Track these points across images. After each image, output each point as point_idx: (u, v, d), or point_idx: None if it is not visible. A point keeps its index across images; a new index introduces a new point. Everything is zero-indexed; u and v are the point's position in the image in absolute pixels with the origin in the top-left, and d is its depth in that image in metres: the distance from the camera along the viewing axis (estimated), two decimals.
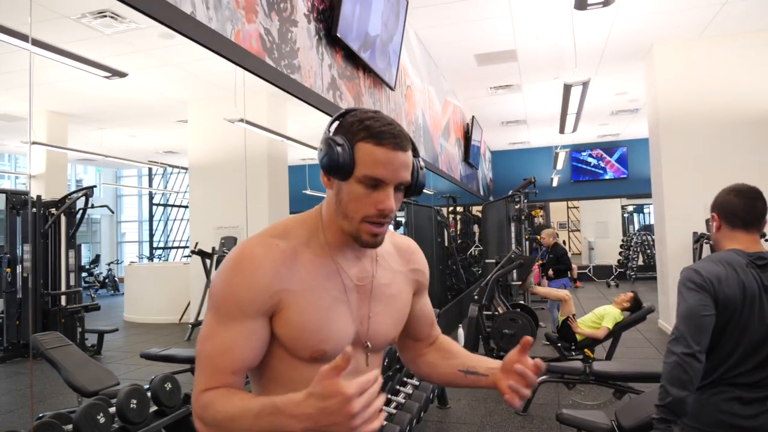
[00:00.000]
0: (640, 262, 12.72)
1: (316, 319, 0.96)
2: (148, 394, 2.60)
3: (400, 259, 1.14)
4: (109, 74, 3.84)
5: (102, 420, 2.27)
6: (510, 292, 6.75)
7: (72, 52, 2.71)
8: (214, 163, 6.44)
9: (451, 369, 1.16)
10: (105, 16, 4.24)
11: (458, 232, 9.79)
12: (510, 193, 7.64)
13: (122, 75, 3.60)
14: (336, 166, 0.92)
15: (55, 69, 5.12)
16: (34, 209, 5.94)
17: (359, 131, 0.93)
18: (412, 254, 1.17)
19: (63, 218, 6.11)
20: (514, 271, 5.72)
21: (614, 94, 8.22)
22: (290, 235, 1.00)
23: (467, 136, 8.35)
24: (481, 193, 10.80)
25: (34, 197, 6.11)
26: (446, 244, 8.00)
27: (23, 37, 2.02)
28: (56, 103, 6.94)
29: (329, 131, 0.97)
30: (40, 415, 2.41)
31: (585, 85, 5.52)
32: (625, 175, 12.17)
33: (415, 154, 1.01)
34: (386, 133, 0.92)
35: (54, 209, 6.09)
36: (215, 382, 0.92)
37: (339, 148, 0.92)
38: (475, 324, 4.76)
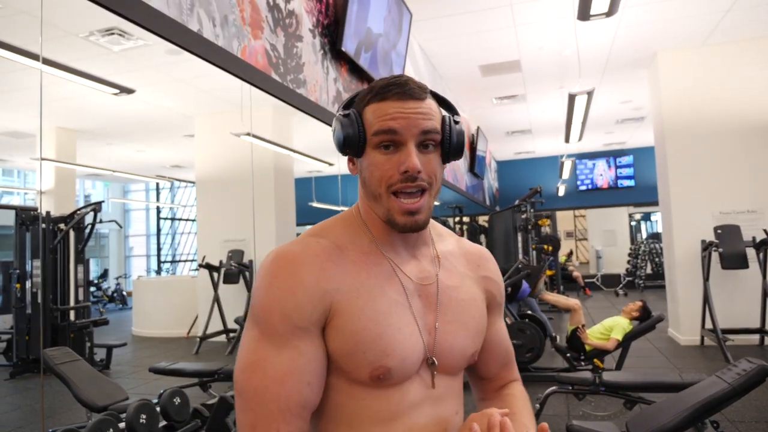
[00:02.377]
0: (649, 271, 12.64)
1: (374, 325, 0.78)
2: (157, 408, 2.60)
3: (467, 262, 0.95)
4: (117, 90, 3.90)
5: None
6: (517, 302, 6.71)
7: (81, 70, 2.75)
8: (221, 176, 6.48)
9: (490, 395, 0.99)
10: (113, 34, 4.30)
11: None
12: (516, 202, 7.64)
13: (130, 91, 3.66)
14: (347, 137, 0.81)
15: (64, 86, 5.18)
16: (44, 225, 5.98)
17: (365, 96, 0.83)
18: (484, 260, 0.98)
19: (72, 233, 6.16)
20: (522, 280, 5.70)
21: (619, 102, 8.23)
22: (330, 233, 0.85)
23: (472, 147, 8.37)
24: (487, 203, 10.79)
25: (44, 213, 6.16)
26: None
27: (34, 57, 2.06)
28: (65, 120, 7.02)
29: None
30: (50, 430, 2.42)
31: (589, 94, 5.53)
32: (631, 184, 12.14)
33: (449, 109, 0.87)
34: (390, 84, 0.81)
35: (63, 224, 6.14)
36: (281, 426, 0.73)
37: (346, 119, 0.82)
38: None
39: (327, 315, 0.77)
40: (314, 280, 0.77)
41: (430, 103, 0.82)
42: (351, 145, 0.81)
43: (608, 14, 3.66)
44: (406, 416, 0.80)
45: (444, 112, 0.85)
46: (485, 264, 0.97)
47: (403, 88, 0.80)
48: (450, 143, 0.83)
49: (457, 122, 0.85)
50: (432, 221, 0.89)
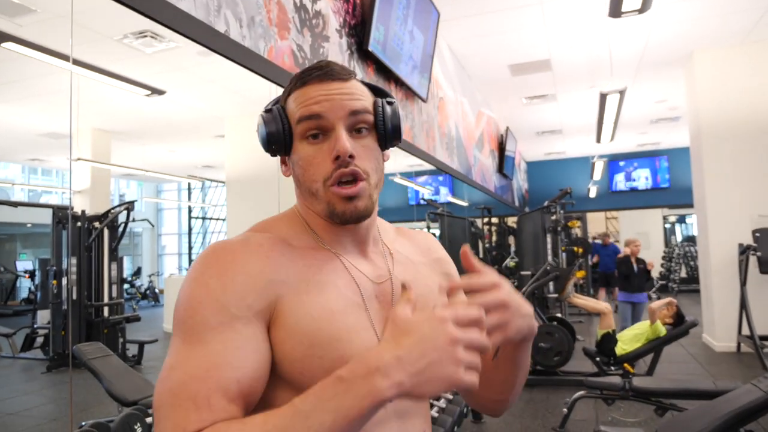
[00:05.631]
0: (683, 274, 12.34)
1: (329, 325, 0.67)
2: None
3: (417, 249, 0.88)
4: (149, 92, 3.99)
5: (139, 429, 2.32)
6: (546, 304, 6.63)
7: (112, 71, 2.82)
8: (251, 176, 6.57)
9: (488, 365, 0.79)
10: (146, 36, 4.39)
11: (493, 244, 9.69)
12: (546, 204, 7.54)
13: (161, 92, 3.74)
14: (271, 134, 0.74)
15: (99, 88, 5.34)
16: (79, 223, 6.15)
17: (286, 89, 0.77)
18: (431, 243, 0.91)
19: (106, 232, 6.31)
20: (550, 283, 5.63)
21: (653, 102, 8.05)
22: (273, 228, 0.76)
23: (501, 147, 8.29)
24: (516, 204, 10.69)
25: (79, 212, 6.33)
26: (481, 255, 7.93)
27: (65, 58, 2.11)
28: (100, 121, 7.22)
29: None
30: (82, 423, 2.48)
31: (621, 93, 5.43)
32: (666, 185, 11.87)
33: (378, 93, 0.79)
34: (311, 69, 0.74)
35: (98, 223, 6.29)
36: (200, 421, 0.58)
37: (268, 115, 0.75)
38: None
39: (272, 310, 0.66)
40: (258, 268, 0.67)
41: (356, 84, 0.75)
42: (276, 141, 0.74)
43: (641, 11, 3.59)
44: None
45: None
46: (434, 246, 0.91)
47: (323, 70, 0.73)
48: (384, 125, 0.75)
49: (390, 103, 0.77)
50: (377, 218, 0.83)
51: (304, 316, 0.66)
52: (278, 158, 0.79)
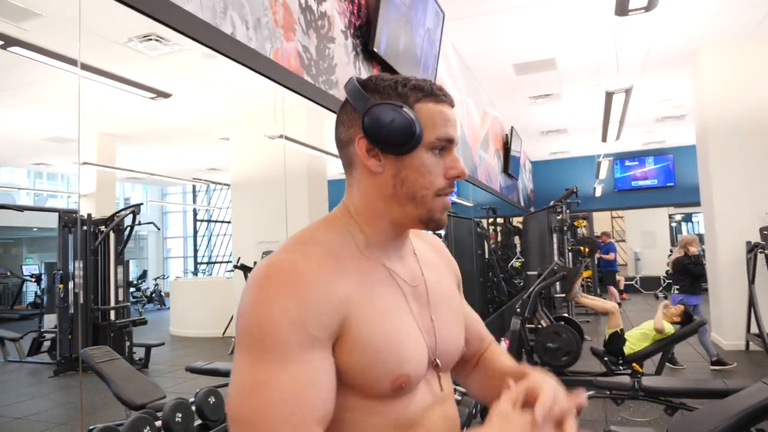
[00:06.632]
0: None
1: (388, 333, 0.74)
2: (193, 408, 2.64)
3: (434, 252, 0.95)
4: (154, 95, 3.98)
5: None
6: (553, 304, 6.61)
7: (118, 74, 2.82)
8: (256, 179, 6.56)
9: (498, 391, 0.90)
10: (151, 40, 4.40)
11: (499, 244, 9.67)
12: (551, 203, 7.51)
13: (166, 96, 3.73)
14: (409, 132, 0.75)
15: (105, 92, 5.34)
16: (85, 227, 6.16)
17: (410, 92, 0.79)
18: (442, 246, 1.00)
19: (112, 235, 6.32)
20: (557, 283, 5.60)
21: (659, 100, 8.02)
22: (320, 240, 0.78)
23: (506, 147, 8.27)
24: (522, 204, 10.66)
25: (85, 215, 6.34)
26: (487, 256, 7.91)
27: (72, 62, 2.11)
28: (105, 125, 7.22)
29: (364, 100, 0.78)
30: (91, 427, 2.48)
31: (627, 92, 5.40)
32: (671, 183, 11.82)
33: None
34: (438, 89, 0.80)
35: (103, 226, 6.30)
36: None
37: (408, 111, 0.76)
38: (518, 338, 4.67)
39: (341, 327, 0.71)
40: (328, 288, 0.70)
41: None
42: (407, 143, 0.76)
43: (647, 9, 3.57)
44: (423, 420, 0.78)
45: None
46: (444, 249, 0.99)
47: (448, 97, 0.81)
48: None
49: None
50: None
51: (368, 328, 0.72)
52: (354, 148, 0.81)
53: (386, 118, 0.75)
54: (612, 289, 10.36)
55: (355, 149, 0.80)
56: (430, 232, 0.98)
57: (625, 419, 3.90)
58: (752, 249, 5.42)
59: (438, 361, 0.82)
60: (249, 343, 0.67)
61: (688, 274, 5.57)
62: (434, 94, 0.79)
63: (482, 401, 1.01)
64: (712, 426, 2.23)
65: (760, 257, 5.39)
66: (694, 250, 5.63)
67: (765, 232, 5.38)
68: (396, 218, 0.80)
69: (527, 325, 4.85)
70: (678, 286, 5.75)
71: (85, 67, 2.20)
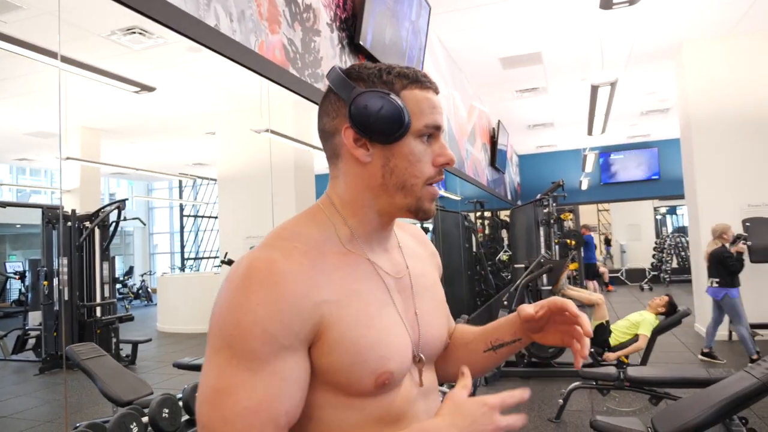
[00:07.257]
0: (675, 265, 12.43)
1: (369, 330, 0.73)
2: (180, 403, 2.63)
3: (417, 243, 0.94)
4: (138, 89, 3.94)
5: (135, 429, 2.31)
6: (540, 296, 6.65)
7: (100, 68, 2.78)
8: (242, 173, 6.53)
9: (477, 354, 0.93)
10: (134, 33, 4.35)
11: (486, 237, 9.70)
12: (538, 197, 7.55)
13: (150, 89, 3.69)
14: (399, 120, 0.74)
15: (88, 86, 5.27)
16: (69, 223, 6.09)
17: (395, 79, 0.77)
18: (423, 237, 0.98)
19: (97, 231, 6.25)
20: (544, 275, 5.64)
21: (644, 94, 8.08)
22: (301, 235, 0.76)
23: (493, 141, 8.29)
24: (509, 197, 10.70)
25: (69, 211, 6.27)
26: (474, 249, 7.94)
27: (52, 55, 2.08)
28: (89, 119, 7.14)
29: (350, 89, 0.76)
30: (77, 424, 2.46)
31: (612, 85, 5.43)
32: (656, 176, 11.93)
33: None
34: (422, 75, 0.79)
35: (88, 222, 6.23)
36: None
37: (396, 98, 0.74)
38: None
39: (316, 330, 0.69)
40: (303, 292, 0.68)
41: None
42: (396, 131, 0.74)
43: (631, 2, 3.59)
44: (407, 414, 0.78)
45: None
46: (427, 240, 0.98)
47: (433, 85, 0.80)
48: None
49: None
50: None
51: (348, 329, 0.71)
52: (340, 138, 0.79)
53: (374, 106, 0.74)
54: (590, 283, 10.39)
55: (341, 139, 0.78)
56: (414, 223, 0.97)
57: (611, 409, 3.95)
58: (734, 241, 5.48)
59: (421, 355, 0.81)
60: (220, 345, 0.68)
61: (727, 266, 5.20)
62: (420, 80, 0.78)
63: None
64: (695, 414, 2.26)
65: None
66: (730, 243, 5.27)
67: (747, 224, 5.45)
68: (383, 208, 0.79)
69: None
70: (717, 279, 5.25)
71: (66, 60, 2.17)
